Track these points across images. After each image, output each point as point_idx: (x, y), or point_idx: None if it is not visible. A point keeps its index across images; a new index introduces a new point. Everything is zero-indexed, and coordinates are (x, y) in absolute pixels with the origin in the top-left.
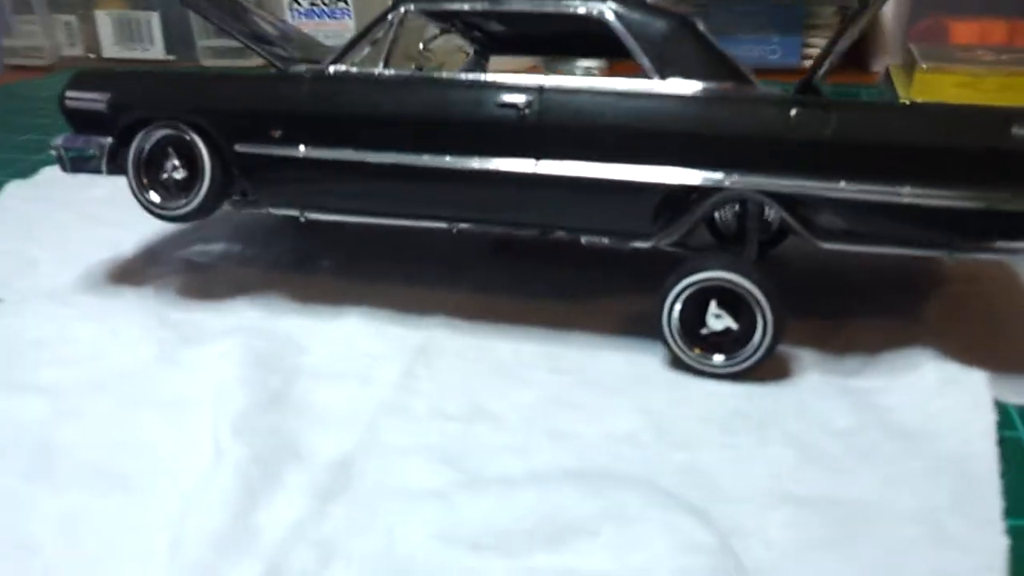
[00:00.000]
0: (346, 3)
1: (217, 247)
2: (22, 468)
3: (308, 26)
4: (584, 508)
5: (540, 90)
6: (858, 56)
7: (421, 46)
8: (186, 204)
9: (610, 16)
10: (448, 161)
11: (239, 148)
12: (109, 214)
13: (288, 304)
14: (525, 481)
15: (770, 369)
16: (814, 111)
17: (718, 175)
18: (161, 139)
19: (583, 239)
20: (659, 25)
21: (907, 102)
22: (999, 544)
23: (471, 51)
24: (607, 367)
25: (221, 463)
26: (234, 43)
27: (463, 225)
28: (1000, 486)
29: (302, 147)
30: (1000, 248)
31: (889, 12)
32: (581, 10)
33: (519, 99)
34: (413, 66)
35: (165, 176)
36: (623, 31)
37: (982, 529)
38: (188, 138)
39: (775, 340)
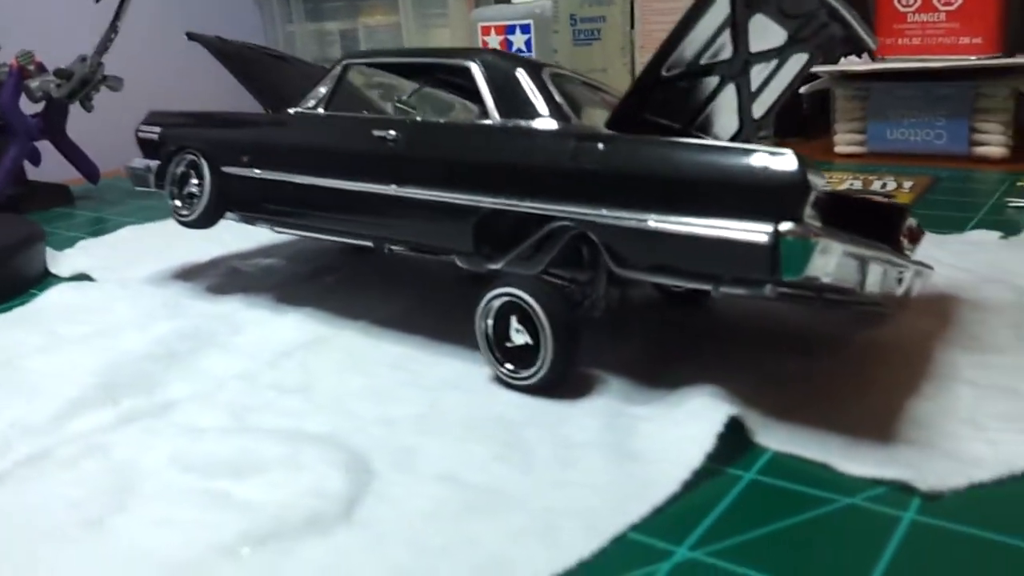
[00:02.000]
0: None
1: (267, 262)
2: None
3: None
4: (272, 454)
5: (405, 125)
6: None
7: (397, 101)
8: (192, 213)
9: (474, 67)
10: (338, 183)
11: (224, 170)
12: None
13: (261, 303)
14: (265, 433)
15: (573, 389)
16: (589, 144)
17: (512, 200)
18: (186, 162)
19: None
20: (504, 73)
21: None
22: (588, 548)
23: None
24: (443, 372)
25: (81, 379)
26: None
27: (395, 248)
28: (656, 507)
29: (256, 170)
30: (755, 287)
31: None
32: (458, 62)
33: (388, 133)
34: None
35: (188, 191)
36: (479, 78)
37: (588, 536)
38: (199, 162)
39: (559, 358)
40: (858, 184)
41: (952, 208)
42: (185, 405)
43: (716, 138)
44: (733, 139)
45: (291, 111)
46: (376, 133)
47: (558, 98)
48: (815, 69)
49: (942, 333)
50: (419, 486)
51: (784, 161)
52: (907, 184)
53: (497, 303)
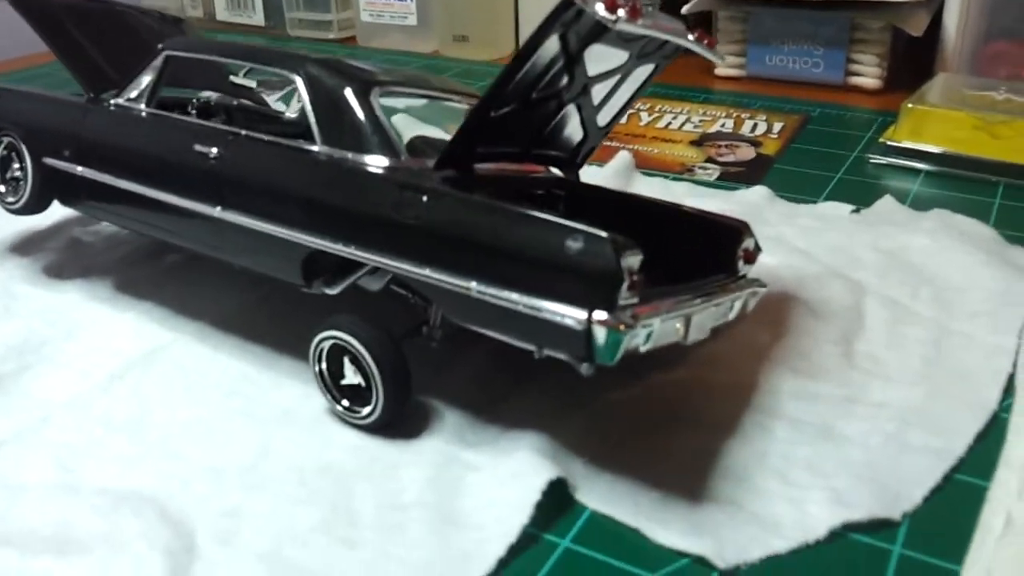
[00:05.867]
0: None
1: (110, 230)
2: None
3: None
4: (95, 528)
5: (229, 142)
6: (918, 67)
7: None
8: (16, 201)
9: (298, 81)
10: (161, 195)
11: (45, 161)
12: None
13: (100, 293)
14: (89, 493)
15: (408, 424)
16: (412, 195)
17: (336, 244)
18: (3, 145)
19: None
20: (329, 93)
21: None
22: None
23: None
24: (279, 399)
25: None
26: (320, 14)
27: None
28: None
29: (78, 167)
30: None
31: (952, 26)
32: (284, 72)
33: (211, 150)
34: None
35: (11, 175)
36: (303, 95)
37: None
38: (19, 147)
39: (390, 402)
40: (730, 123)
41: (815, 161)
42: (6, 449)
43: (562, 146)
44: (579, 147)
45: (112, 102)
46: (198, 148)
47: (387, 128)
48: None
49: (772, 350)
50: (240, 565)
51: (600, 249)
52: (777, 127)
53: (327, 345)
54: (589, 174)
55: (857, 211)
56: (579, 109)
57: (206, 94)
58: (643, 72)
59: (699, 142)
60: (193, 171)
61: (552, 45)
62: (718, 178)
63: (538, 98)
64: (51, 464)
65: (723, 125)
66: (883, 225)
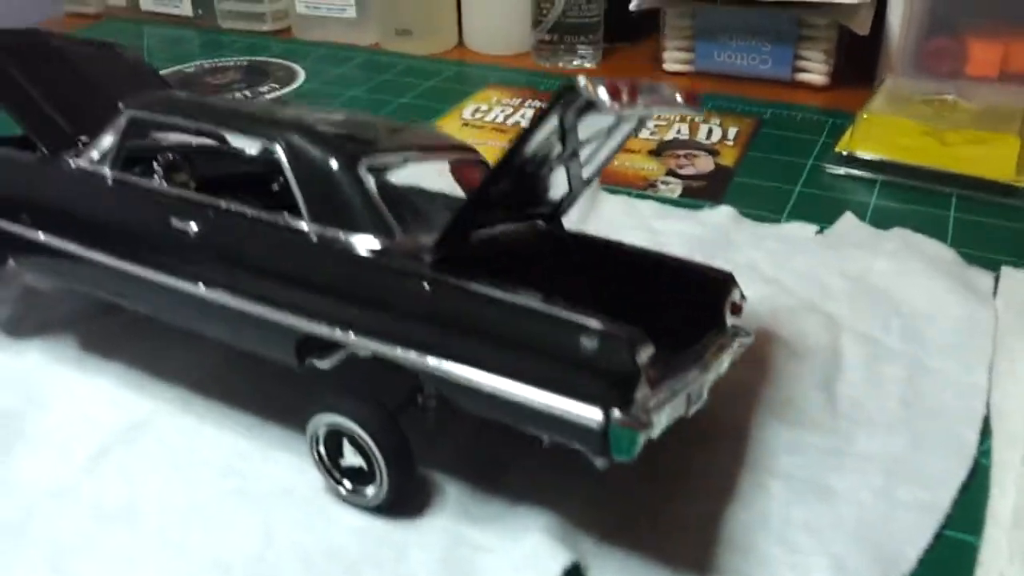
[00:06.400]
0: None
1: None
2: None
3: None
4: None
5: (209, 219)
6: (864, 64)
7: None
8: None
9: (279, 151)
10: (130, 267)
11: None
12: None
13: (65, 353)
14: None
15: (412, 502)
16: (413, 282)
17: (334, 329)
18: None
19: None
20: (313, 166)
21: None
22: None
23: None
24: (275, 473)
25: None
26: (252, 5)
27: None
28: None
29: (40, 233)
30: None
31: (896, 23)
32: (262, 142)
33: (189, 225)
34: None
35: None
36: (285, 167)
37: None
38: None
39: (396, 483)
40: (685, 129)
41: (773, 173)
42: None
43: (548, 203)
44: (563, 202)
45: (72, 163)
46: (176, 224)
47: (379, 204)
48: None
49: (759, 397)
50: None
51: (616, 347)
52: (732, 132)
53: (323, 430)
54: None
55: (821, 231)
56: (567, 169)
57: (174, 139)
58: (627, 127)
59: (658, 151)
60: (171, 248)
61: (552, 124)
62: (681, 194)
63: (532, 169)
64: (43, 566)
65: (679, 131)
66: (847, 247)
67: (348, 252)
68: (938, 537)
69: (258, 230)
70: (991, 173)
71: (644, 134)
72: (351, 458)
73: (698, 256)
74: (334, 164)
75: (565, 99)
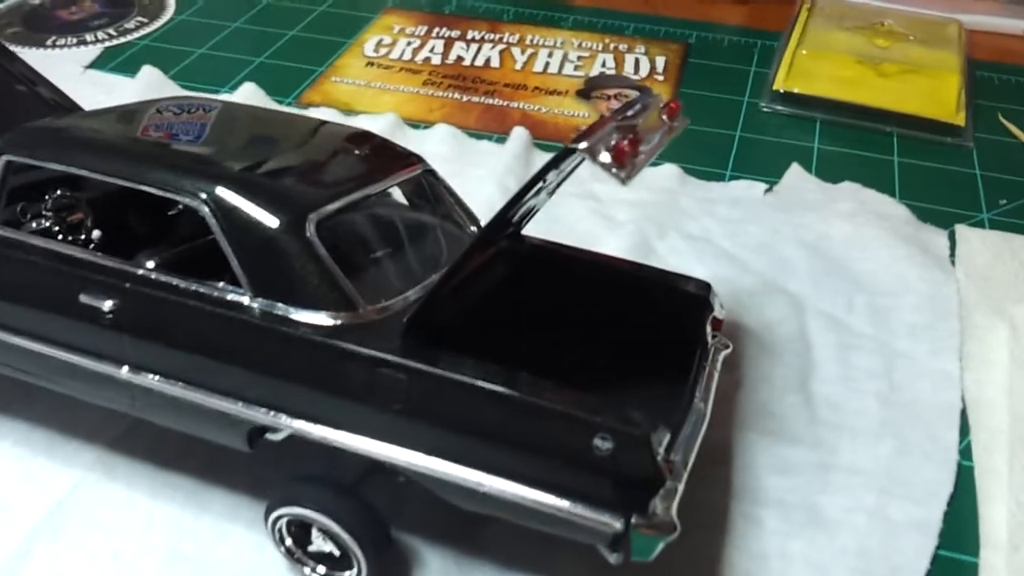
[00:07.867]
0: None
1: None
2: None
3: None
4: None
5: (128, 294)
6: None
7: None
8: None
9: (205, 212)
10: (32, 344)
11: None
12: None
13: None
14: None
15: None
16: (388, 373)
17: (292, 422)
18: None
19: None
20: (249, 229)
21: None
22: None
23: None
24: (227, 553)
25: None
26: None
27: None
28: None
29: None
30: None
31: None
32: (181, 198)
33: (104, 303)
34: None
35: None
36: (215, 230)
37: None
38: None
39: (376, 567)
40: (610, 60)
41: (710, 115)
42: None
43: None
44: (525, 217)
45: None
46: (85, 300)
47: (335, 271)
48: None
49: (734, 403)
50: None
51: (634, 448)
52: (660, 63)
53: (285, 522)
54: (487, 151)
55: (771, 188)
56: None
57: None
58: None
59: (586, 93)
60: (84, 327)
61: (543, 186)
62: None
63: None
64: None
65: (604, 64)
66: (799, 209)
67: (304, 334)
68: (934, 560)
69: (189, 308)
70: (931, 112)
71: (568, 69)
72: (321, 544)
73: (651, 229)
74: (277, 226)
75: (565, 166)
